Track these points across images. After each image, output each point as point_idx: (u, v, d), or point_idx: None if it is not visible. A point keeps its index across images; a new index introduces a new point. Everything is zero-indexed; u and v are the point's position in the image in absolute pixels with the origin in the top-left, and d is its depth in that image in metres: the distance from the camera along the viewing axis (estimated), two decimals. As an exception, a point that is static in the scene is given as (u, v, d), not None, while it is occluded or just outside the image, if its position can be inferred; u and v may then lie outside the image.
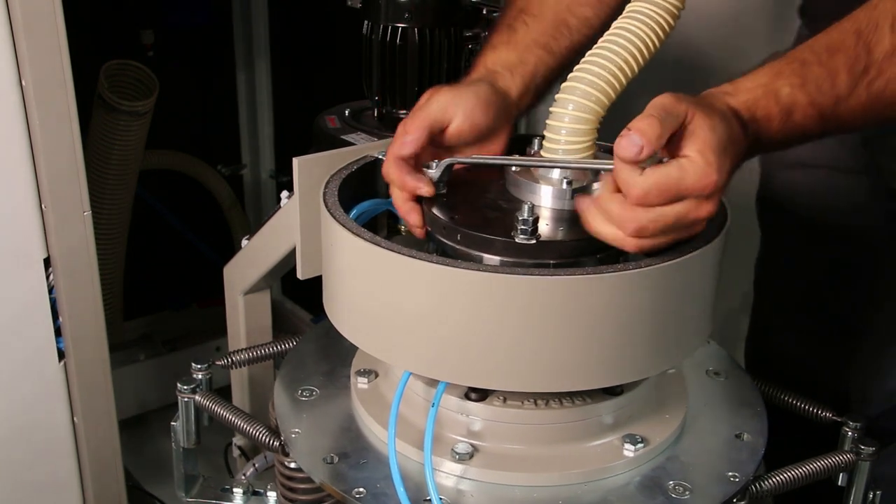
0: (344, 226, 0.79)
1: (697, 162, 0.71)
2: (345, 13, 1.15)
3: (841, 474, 0.90)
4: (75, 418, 1.17)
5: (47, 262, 1.08)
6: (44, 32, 0.98)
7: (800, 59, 0.76)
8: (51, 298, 1.10)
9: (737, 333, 1.65)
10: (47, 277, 1.08)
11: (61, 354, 1.13)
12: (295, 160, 0.95)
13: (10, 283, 1.07)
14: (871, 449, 0.89)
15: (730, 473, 0.82)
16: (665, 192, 0.71)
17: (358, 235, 0.77)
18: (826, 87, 0.74)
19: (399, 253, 0.74)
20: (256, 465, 1.08)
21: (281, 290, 2.06)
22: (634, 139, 0.70)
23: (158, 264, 1.94)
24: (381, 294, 0.77)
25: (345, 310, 0.82)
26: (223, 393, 0.99)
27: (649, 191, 0.70)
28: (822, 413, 0.95)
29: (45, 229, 1.06)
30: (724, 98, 0.75)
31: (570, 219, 0.80)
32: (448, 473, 0.80)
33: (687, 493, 0.79)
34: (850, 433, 0.91)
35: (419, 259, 0.74)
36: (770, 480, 0.85)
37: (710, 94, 0.76)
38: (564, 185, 0.80)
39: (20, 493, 1.17)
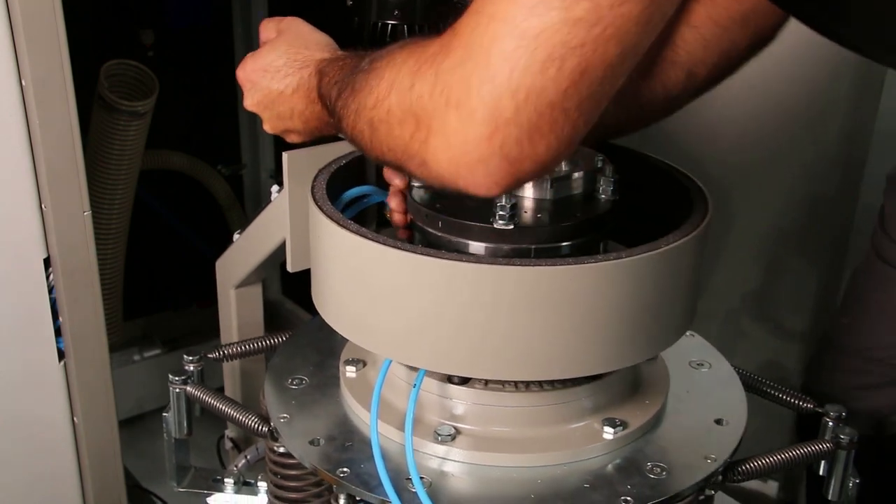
0: (331, 218, 0.80)
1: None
2: (345, 13, 1.16)
3: (822, 463, 0.91)
4: (75, 418, 1.17)
5: (47, 262, 1.08)
6: (44, 32, 0.98)
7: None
8: (51, 298, 1.10)
9: (737, 333, 1.65)
10: (47, 277, 1.08)
11: (61, 354, 1.13)
12: (284, 154, 0.97)
13: (10, 283, 1.07)
14: (849, 438, 0.90)
15: (707, 456, 0.83)
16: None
17: (344, 227, 0.78)
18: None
19: (376, 241, 0.75)
20: (248, 457, 1.07)
21: (281, 291, 2.07)
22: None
23: (158, 264, 1.94)
24: (361, 282, 0.78)
25: (329, 299, 0.84)
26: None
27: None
28: (802, 403, 0.96)
29: (45, 229, 1.06)
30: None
31: (550, 208, 0.81)
32: (431, 455, 0.81)
33: (664, 473, 0.80)
34: (829, 423, 0.92)
35: (394, 248, 0.74)
36: (747, 465, 0.86)
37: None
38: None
39: (20, 492, 1.17)
